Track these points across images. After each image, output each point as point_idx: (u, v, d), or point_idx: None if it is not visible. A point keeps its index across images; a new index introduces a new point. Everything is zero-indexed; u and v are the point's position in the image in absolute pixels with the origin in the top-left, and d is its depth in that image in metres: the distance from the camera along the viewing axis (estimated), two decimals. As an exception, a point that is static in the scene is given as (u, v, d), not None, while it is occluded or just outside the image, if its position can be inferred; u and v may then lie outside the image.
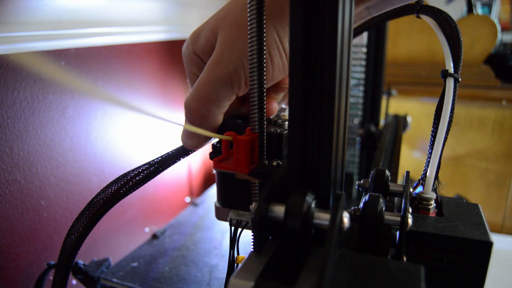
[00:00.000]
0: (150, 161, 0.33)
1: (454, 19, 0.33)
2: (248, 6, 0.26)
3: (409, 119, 0.78)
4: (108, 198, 0.31)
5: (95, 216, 0.31)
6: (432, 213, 0.32)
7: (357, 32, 0.43)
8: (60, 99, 0.55)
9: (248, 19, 0.26)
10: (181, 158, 0.34)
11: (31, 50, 0.50)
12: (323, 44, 0.23)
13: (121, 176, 0.32)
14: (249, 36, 0.27)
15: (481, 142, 0.99)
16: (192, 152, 0.34)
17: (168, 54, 0.79)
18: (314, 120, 0.24)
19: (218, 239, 0.59)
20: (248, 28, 0.26)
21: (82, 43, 0.57)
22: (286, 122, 0.33)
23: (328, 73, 0.23)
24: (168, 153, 0.34)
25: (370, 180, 0.35)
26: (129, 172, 0.32)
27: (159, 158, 0.33)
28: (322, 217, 0.24)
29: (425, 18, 0.35)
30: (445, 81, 0.33)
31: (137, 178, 0.32)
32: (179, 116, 0.83)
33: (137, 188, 0.32)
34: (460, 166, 1.01)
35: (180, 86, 0.85)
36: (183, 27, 0.83)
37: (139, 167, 0.32)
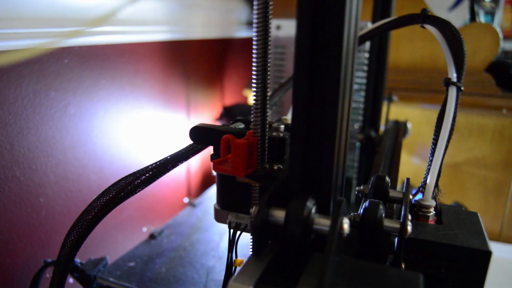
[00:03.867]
0: (152, 164, 0.33)
1: (458, 30, 0.33)
2: (255, 7, 0.26)
3: (409, 125, 0.78)
4: (109, 200, 0.31)
5: (95, 218, 0.31)
6: (431, 220, 0.32)
7: (361, 41, 0.43)
8: (62, 96, 0.55)
9: (254, 21, 0.26)
10: (182, 162, 0.34)
11: (34, 47, 0.50)
12: (329, 50, 0.23)
13: (121, 179, 0.32)
14: (254, 39, 0.27)
15: (480, 150, 0.99)
16: (191, 157, 0.34)
17: (170, 54, 0.79)
18: (317, 125, 0.25)
19: (216, 241, 0.59)
20: (254, 30, 0.26)
21: (85, 41, 0.57)
22: (282, 126, 0.33)
23: (332, 78, 0.23)
24: (167, 157, 0.34)
25: (370, 186, 0.35)
26: (130, 175, 0.32)
27: (158, 163, 0.33)
28: (323, 223, 0.24)
29: (430, 28, 0.35)
30: (447, 90, 0.33)
31: (137, 181, 0.32)
32: (180, 116, 0.83)
33: (138, 191, 0.32)
34: (459, 173, 1.01)
35: (182, 86, 0.85)
36: (187, 27, 0.83)
37: (139, 171, 0.32)
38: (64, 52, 0.54)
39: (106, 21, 0.60)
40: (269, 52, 0.27)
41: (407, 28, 0.40)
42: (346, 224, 0.23)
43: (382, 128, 0.77)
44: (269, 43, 0.27)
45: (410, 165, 1.05)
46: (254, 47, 0.27)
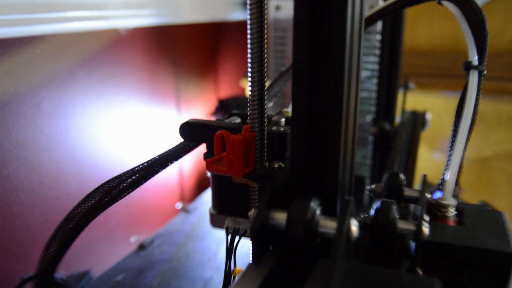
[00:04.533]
0: (139, 165, 0.33)
1: (480, 7, 0.34)
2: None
3: (428, 116, 0.79)
4: (92, 207, 0.32)
5: (77, 226, 0.32)
6: (452, 221, 0.33)
7: (371, 20, 0.43)
8: (34, 92, 0.55)
9: (248, 9, 0.27)
10: (172, 163, 0.34)
11: (1, 36, 0.50)
12: (331, 33, 0.23)
13: (105, 183, 0.33)
14: (249, 27, 0.27)
15: (511, 142, 0.99)
16: (182, 156, 0.35)
17: (156, 41, 0.79)
18: (320, 117, 0.25)
19: (213, 250, 0.59)
20: (249, 19, 0.27)
21: (59, 28, 0.58)
22: (283, 120, 0.33)
23: (335, 64, 0.24)
24: (155, 158, 0.34)
25: (382, 184, 0.36)
26: (115, 178, 0.33)
27: (146, 164, 0.33)
28: (328, 225, 0.25)
29: (448, 4, 0.35)
30: (468, 74, 0.33)
31: (123, 185, 0.32)
32: (169, 111, 0.84)
33: (124, 196, 0.33)
34: (486, 169, 1.01)
35: (170, 78, 0.85)
36: (174, 10, 0.84)
37: (125, 173, 0.33)
38: (35, 41, 0.54)
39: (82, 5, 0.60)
40: (265, 35, 0.28)
41: (425, 5, 0.41)
42: (354, 226, 0.24)
43: (397, 119, 0.77)
44: (264, 25, 0.27)
45: (430, 161, 1.05)
46: (248, 29, 0.27)
